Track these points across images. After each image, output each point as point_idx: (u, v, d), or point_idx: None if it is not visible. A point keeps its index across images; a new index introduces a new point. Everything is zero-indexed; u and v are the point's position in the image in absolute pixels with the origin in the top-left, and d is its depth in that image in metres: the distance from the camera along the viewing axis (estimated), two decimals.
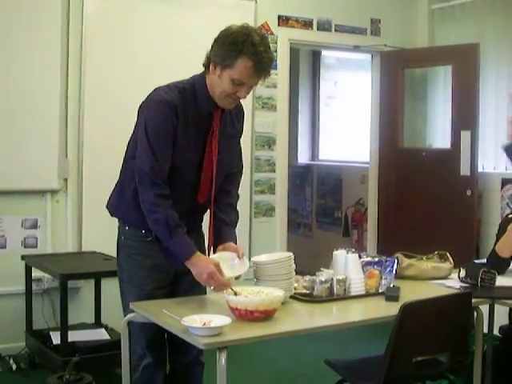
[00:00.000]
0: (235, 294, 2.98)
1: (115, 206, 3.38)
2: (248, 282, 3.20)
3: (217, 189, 3.32)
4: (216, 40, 3.13)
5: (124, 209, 3.31)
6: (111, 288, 5.15)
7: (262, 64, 3.06)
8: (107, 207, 3.42)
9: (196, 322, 2.73)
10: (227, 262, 3.21)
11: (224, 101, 3.17)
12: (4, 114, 5.33)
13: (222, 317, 2.78)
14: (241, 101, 3.33)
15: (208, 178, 3.25)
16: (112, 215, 3.42)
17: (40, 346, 4.96)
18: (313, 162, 9.18)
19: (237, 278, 3.19)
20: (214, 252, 3.29)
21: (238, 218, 3.47)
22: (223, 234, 3.31)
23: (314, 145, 9.28)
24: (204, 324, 2.72)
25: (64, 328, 4.65)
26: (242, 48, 3.02)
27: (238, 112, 3.40)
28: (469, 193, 6.51)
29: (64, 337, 4.64)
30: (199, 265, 3.10)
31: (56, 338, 4.79)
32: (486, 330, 3.74)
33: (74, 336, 4.77)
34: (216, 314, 2.82)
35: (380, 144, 7.29)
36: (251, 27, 3.13)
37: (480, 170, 6.59)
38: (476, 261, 4.66)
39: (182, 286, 3.34)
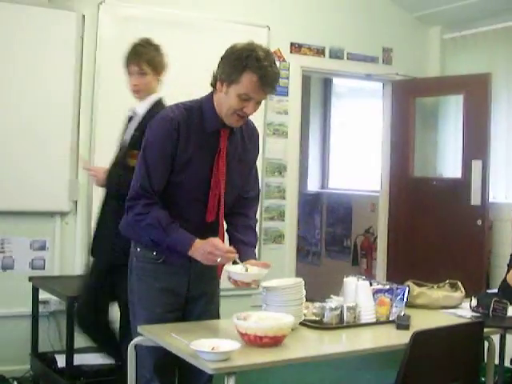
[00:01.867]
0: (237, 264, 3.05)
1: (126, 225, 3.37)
2: (257, 308, 3.17)
3: (227, 209, 3.31)
4: (222, 58, 3.15)
5: (135, 229, 3.29)
6: (118, 312, 5.16)
7: (268, 78, 3.06)
8: (120, 228, 3.41)
9: (204, 346, 2.70)
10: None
11: (231, 118, 3.16)
12: (15, 135, 5.35)
13: (230, 341, 2.75)
14: (255, 125, 3.34)
15: (216, 197, 3.24)
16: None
17: (45, 369, 4.93)
18: (323, 190, 9.16)
19: (254, 282, 3.16)
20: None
21: (256, 239, 3.45)
22: (242, 254, 3.26)
23: (324, 173, 9.27)
24: (213, 348, 2.69)
25: (70, 351, 4.61)
26: (246, 63, 3.03)
27: (252, 135, 3.40)
28: (479, 223, 6.47)
29: (69, 360, 4.60)
30: (201, 246, 3.08)
31: (61, 361, 4.76)
32: (497, 361, 3.70)
33: (79, 359, 4.74)
34: (225, 339, 2.79)
35: (391, 173, 7.27)
36: (256, 44, 3.13)
37: (491, 199, 6.56)
38: (488, 291, 4.63)
39: (194, 311, 3.31)
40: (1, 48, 5.28)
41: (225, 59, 3.12)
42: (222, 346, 2.70)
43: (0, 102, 5.32)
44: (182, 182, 3.18)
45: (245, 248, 3.30)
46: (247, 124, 3.31)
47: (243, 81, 3.05)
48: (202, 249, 3.08)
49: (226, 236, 3.38)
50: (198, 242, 3.10)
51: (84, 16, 5.56)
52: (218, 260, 3.07)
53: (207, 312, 3.30)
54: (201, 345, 2.70)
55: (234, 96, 3.09)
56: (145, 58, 4.13)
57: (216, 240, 3.10)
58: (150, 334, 3.04)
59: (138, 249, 3.30)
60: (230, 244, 3.32)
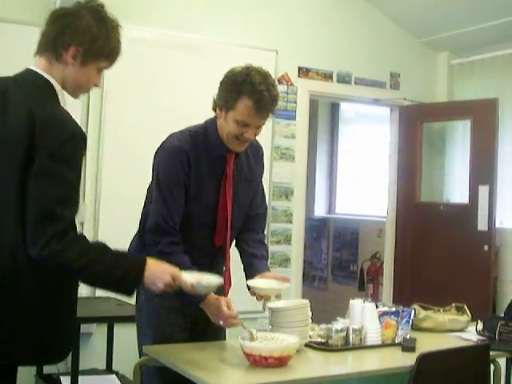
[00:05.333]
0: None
1: (136, 249, 3.37)
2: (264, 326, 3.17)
3: (234, 231, 3.31)
4: (220, 83, 3.16)
5: (145, 253, 3.29)
6: (124, 334, 5.15)
7: (263, 102, 3.04)
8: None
9: None
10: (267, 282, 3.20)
11: (232, 143, 3.17)
12: None
13: None
14: (260, 143, 3.35)
15: (223, 222, 3.24)
16: None
17: None
18: (329, 215, 9.16)
19: (277, 296, 3.18)
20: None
21: (267, 253, 3.46)
22: (256, 267, 3.29)
23: (331, 197, 9.27)
24: None
25: (75, 373, 4.59)
26: (241, 88, 3.03)
27: (256, 152, 3.41)
28: (486, 248, 6.45)
29: (74, 382, 4.57)
30: (213, 303, 3.08)
31: (66, 383, 4.74)
32: None
33: (84, 382, 4.71)
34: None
35: (397, 198, 7.27)
36: (253, 67, 3.11)
37: (498, 225, 6.53)
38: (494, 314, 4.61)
39: (201, 331, 3.31)
40: (5, 70, 5.29)
41: (222, 84, 3.13)
42: None
43: None
44: (192, 209, 3.19)
45: (258, 261, 3.32)
46: (252, 142, 3.30)
47: (239, 107, 3.05)
48: (210, 307, 3.09)
49: (235, 259, 3.39)
50: (209, 299, 3.09)
51: None
52: (221, 323, 3.09)
53: (215, 332, 3.30)
54: None
55: (232, 122, 3.09)
56: None
57: (223, 303, 3.08)
58: (156, 354, 3.04)
59: None
60: (242, 260, 3.34)
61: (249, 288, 3.19)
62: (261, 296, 3.17)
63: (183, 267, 3.06)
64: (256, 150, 3.40)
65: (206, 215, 3.23)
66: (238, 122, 3.08)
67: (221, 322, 3.08)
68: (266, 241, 3.54)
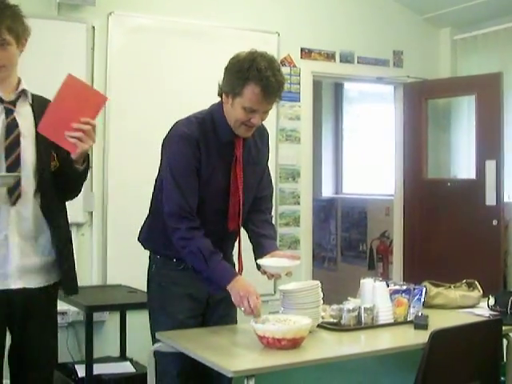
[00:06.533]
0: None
1: (147, 237, 3.40)
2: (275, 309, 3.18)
3: (245, 214, 3.33)
4: (225, 69, 3.15)
5: (156, 239, 3.31)
6: (136, 321, 5.18)
7: (270, 88, 3.04)
8: (139, 239, 3.43)
9: None
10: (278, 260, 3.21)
11: (240, 129, 3.17)
12: None
13: None
14: (265, 126, 3.36)
15: (236, 205, 3.26)
16: (144, 248, 3.42)
17: (65, 379, 4.92)
18: (337, 196, 9.16)
19: (288, 274, 3.17)
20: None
21: (275, 233, 3.47)
22: (265, 247, 3.29)
23: (337, 178, 9.27)
24: None
25: (89, 361, 4.62)
26: (247, 75, 3.02)
27: (262, 135, 3.41)
28: (495, 223, 6.45)
29: (89, 370, 4.60)
30: (240, 286, 3.07)
31: (81, 371, 4.76)
32: None
33: (99, 369, 4.74)
34: None
35: (404, 176, 7.26)
36: (258, 52, 3.10)
37: (506, 199, 6.53)
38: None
39: (213, 316, 3.32)
40: None
41: (227, 71, 3.12)
42: None
43: None
44: (205, 195, 3.19)
45: (267, 241, 3.34)
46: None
47: (246, 93, 3.04)
48: (237, 290, 3.07)
49: (243, 243, 3.40)
50: (237, 281, 3.09)
51: (94, 27, 5.58)
52: (242, 309, 3.07)
53: (227, 316, 3.31)
54: None
55: (239, 109, 3.09)
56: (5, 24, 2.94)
57: (252, 291, 3.06)
58: (170, 340, 3.05)
59: (158, 256, 3.32)
60: (251, 240, 3.35)
61: (259, 267, 3.19)
62: (271, 274, 3.18)
63: (206, 251, 3.08)
64: (262, 133, 3.40)
65: (218, 200, 3.23)
66: (245, 109, 3.08)
67: (242, 309, 3.08)
68: (273, 221, 3.54)
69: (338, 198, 9.09)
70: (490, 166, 6.48)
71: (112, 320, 5.53)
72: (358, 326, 3.27)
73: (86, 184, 5.46)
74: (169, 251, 3.23)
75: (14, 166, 2.90)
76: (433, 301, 3.73)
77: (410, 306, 3.42)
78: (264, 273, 3.20)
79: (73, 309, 5.26)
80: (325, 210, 9.05)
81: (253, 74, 3.01)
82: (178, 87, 5.85)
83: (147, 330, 3.39)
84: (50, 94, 5.23)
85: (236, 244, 3.40)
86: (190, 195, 3.14)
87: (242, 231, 3.40)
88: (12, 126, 2.94)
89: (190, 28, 5.97)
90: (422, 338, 3.03)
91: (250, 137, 3.28)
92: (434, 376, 3.00)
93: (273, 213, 3.61)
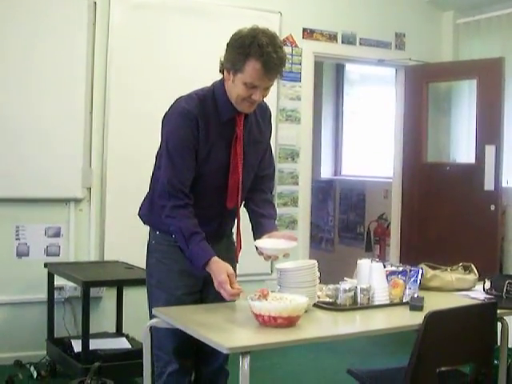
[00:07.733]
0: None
1: (146, 212, 3.40)
2: (272, 288, 3.18)
3: (245, 193, 3.33)
4: (227, 45, 3.14)
5: (155, 216, 3.31)
6: (133, 297, 5.21)
7: (271, 64, 3.03)
8: (139, 214, 3.44)
9: None
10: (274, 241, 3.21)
11: (241, 105, 3.17)
12: (29, 124, 5.37)
13: None
14: (267, 104, 3.37)
15: (235, 183, 3.25)
16: (144, 223, 3.43)
17: (61, 353, 4.96)
18: (336, 177, 9.17)
19: (285, 255, 3.18)
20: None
21: (275, 213, 3.46)
22: (264, 227, 3.29)
23: (337, 160, 9.27)
24: None
25: (85, 336, 4.64)
26: (249, 51, 3.01)
27: (264, 114, 3.41)
28: (493, 208, 6.46)
29: (85, 345, 4.63)
30: (214, 271, 3.08)
31: (77, 346, 4.79)
32: (510, 345, 3.69)
33: (95, 344, 4.77)
34: None
35: (404, 159, 7.27)
36: (259, 29, 3.09)
37: (504, 184, 6.54)
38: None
39: (211, 293, 3.30)
40: (13, 35, 5.30)
41: (229, 47, 3.11)
42: None
43: (12, 89, 5.34)
44: (203, 172, 3.19)
45: (266, 221, 3.34)
46: (260, 104, 3.28)
47: (247, 69, 3.03)
48: (213, 274, 3.07)
49: (242, 222, 3.40)
50: (213, 262, 3.08)
51: (95, 3, 5.57)
52: (221, 291, 3.06)
53: None
54: None
55: (240, 84, 3.08)
56: None
57: (225, 279, 3.03)
58: (166, 316, 3.06)
59: (158, 232, 3.33)
60: (251, 219, 3.36)
61: (257, 248, 3.20)
62: (268, 256, 3.19)
63: (186, 232, 3.08)
64: (264, 112, 3.40)
65: (218, 177, 3.23)
66: (246, 85, 3.07)
67: (221, 291, 3.09)
68: (274, 201, 3.54)
69: (337, 180, 9.09)
70: (490, 150, 6.49)
71: (109, 296, 5.56)
72: (354, 306, 3.28)
73: (84, 160, 5.56)
74: (167, 227, 3.24)
75: None
76: (429, 283, 3.73)
77: (406, 288, 3.42)
78: (261, 254, 3.20)
79: (70, 284, 5.29)
80: (323, 192, 9.05)
81: (254, 50, 3.00)
82: (179, 64, 5.85)
83: (144, 307, 3.40)
84: (49, 66, 5.24)
85: (236, 222, 3.40)
86: (182, 172, 3.14)
87: (242, 209, 3.41)
88: None
89: (192, 5, 5.95)
90: (417, 319, 3.04)
91: (252, 115, 3.28)
92: (428, 357, 3.02)
93: (274, 183, 3.62)
